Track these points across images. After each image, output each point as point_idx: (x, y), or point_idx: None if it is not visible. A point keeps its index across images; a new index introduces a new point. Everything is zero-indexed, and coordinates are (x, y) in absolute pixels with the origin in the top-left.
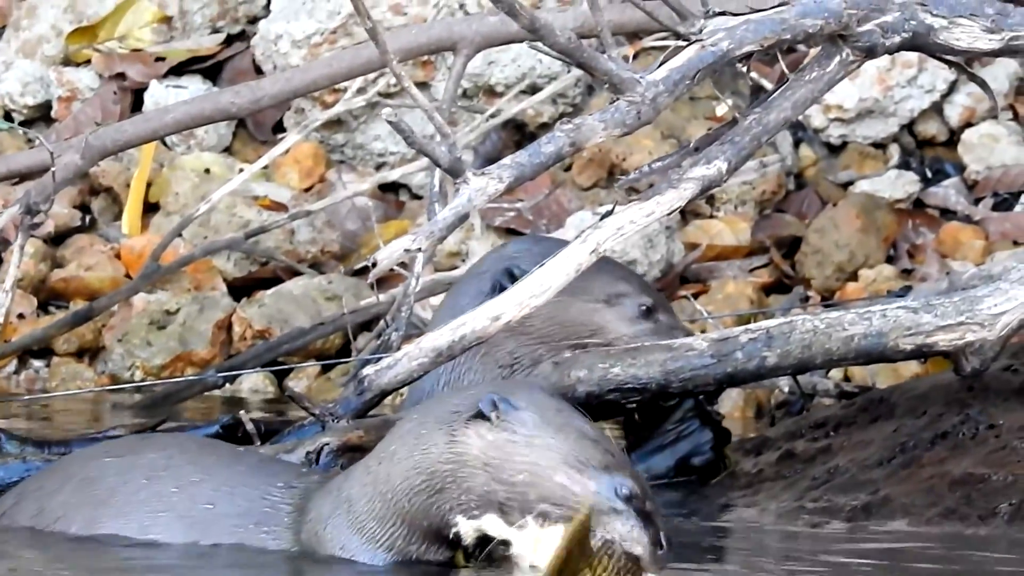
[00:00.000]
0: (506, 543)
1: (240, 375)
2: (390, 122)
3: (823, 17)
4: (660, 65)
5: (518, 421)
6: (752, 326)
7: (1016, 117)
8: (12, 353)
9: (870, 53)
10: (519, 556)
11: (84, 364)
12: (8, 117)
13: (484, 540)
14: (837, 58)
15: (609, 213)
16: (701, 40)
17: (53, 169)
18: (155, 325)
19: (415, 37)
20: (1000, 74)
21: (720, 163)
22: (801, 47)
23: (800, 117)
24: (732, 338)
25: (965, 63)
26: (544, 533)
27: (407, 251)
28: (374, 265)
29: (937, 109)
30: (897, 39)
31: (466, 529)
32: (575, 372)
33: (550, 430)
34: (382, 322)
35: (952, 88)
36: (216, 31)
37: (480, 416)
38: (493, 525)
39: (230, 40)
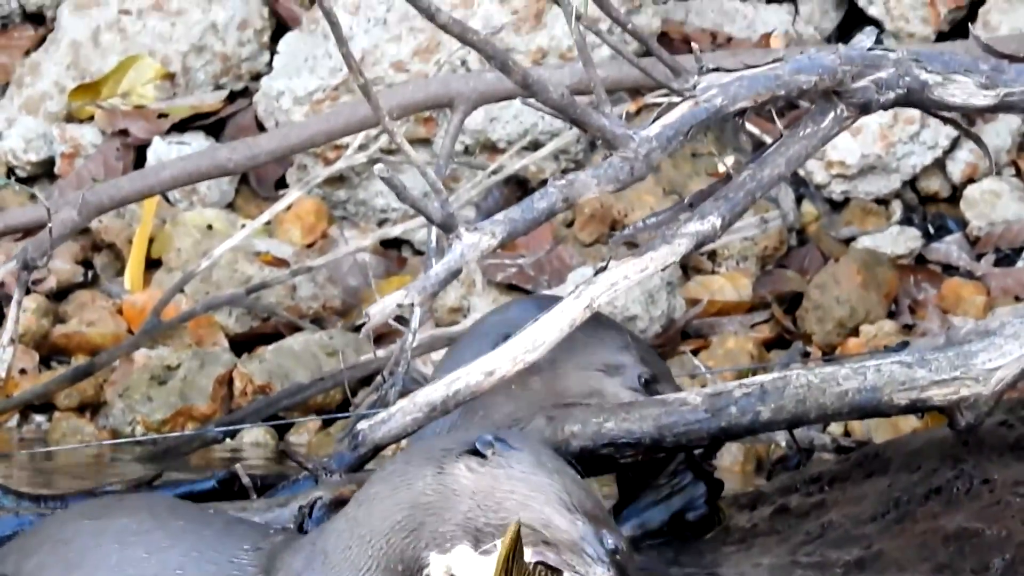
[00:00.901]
0: None
1: (240, 430)
2: (383, 178)
3: (817, 73)
4: (654, 121)
5: (514, 459)
6: (746, 381)
7: (1019, 173)
8: (14, 408)
9: (865, 109)
10: None
11: (85, 419)
12: (11, 174)
13: None
14: (832, 114)
15: (603, 269)
16: (695, 96)
17: (50, 225)
18: (156, 380)
19: (412, 94)
20: (1003, 130)
21: (714, 219)
22: (804, 103)
23: (802, 173)
24: (726, 392)
25: (967, 119)
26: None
27: (399, 306)
28: (367, 319)
29: (940, 165)
30: (892, 95)
31: (436, 568)
32: (569, 426)
33: (544, 471)
34: (379, 377)
35: (955, 144)
36: (219, 87)
37: (474, 453)
38: (462, 556)
39: (233, 97)
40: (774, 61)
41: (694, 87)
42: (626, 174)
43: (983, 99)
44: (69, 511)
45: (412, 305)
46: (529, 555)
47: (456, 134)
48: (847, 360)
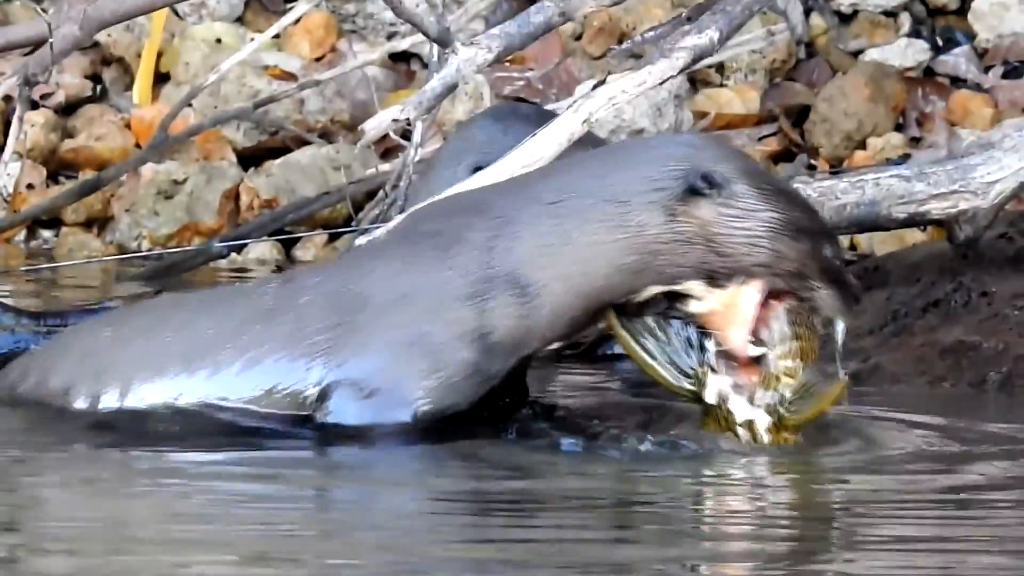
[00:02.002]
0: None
1: (246, 244)
2: None
3: None
4: None
5: (734, 195)
6: None
7: None
8: (21, 223)
9: None
10: (698, 315)
11: (92, 234)
12: None
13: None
14: None
15: (601, 83)
16: None
17: (51, 40)
18: (163, 195)
19: None
20: None
21: (712, 32)
22: None
23: None
24: None
25: None
26: (738, 292)
27: (395, 120)
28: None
29: None
30: None
31: (650, 292)
32: None
33: (764, 200)
34: (381, 192)
35: None
36: None
37: (692, 191)
38: (693, 287)
39: None
40: None
41: None
42: None
43: None
44: (91, 322)
45: (408, 120)
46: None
47: None
48: (848, 173)
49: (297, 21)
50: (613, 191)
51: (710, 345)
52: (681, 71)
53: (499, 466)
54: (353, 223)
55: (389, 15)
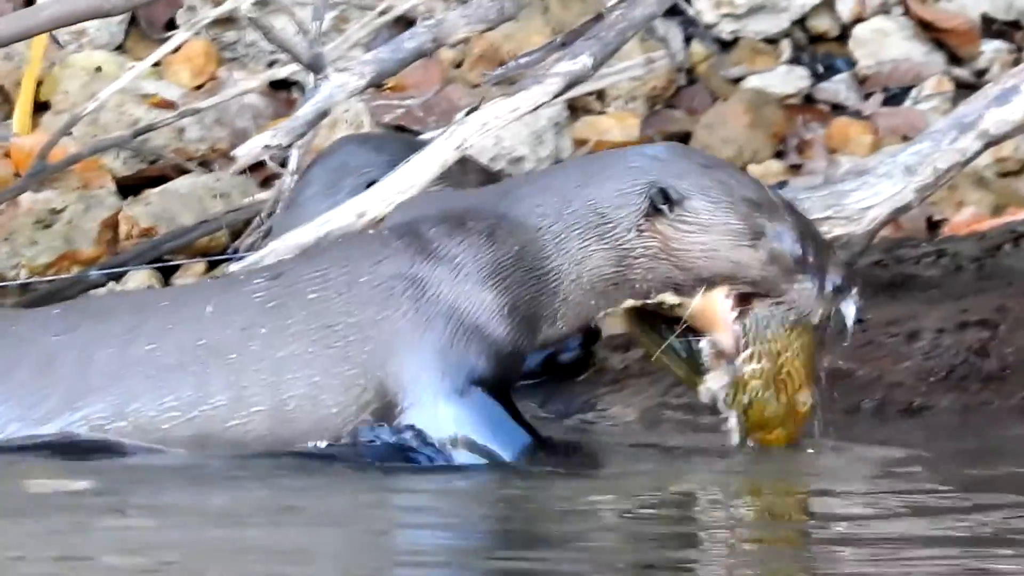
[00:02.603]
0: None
1: (125, 272)
2: (250, 19)
3: None
4: None
5: (690, 210)
6: None
7: (907, 12)
8: None
9: None
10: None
11: None
12: None
13: None
14: None
15: (474, 109)
16: None
17: None
18: (41, 224)
19: None
20: None
21: (585, 58)
22: None
23: (692, 12)
24: None
25: None
26: (708, 298)
27: (267, 147)
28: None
29: (829, 4)
30: None
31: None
32: None
33: (721, 212)
34: (257, 219)
35: None
36: None
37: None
38: (666, 298)
39: None
40: None
41: None
42: (496, 13)
43: None
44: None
45: (280, 146)
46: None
47: None
48: None
49: (177, 49)
50: (592, 204)
51: (704, 345)
52: (555, 96)
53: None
54: (230, 250)
55: (269, 43)
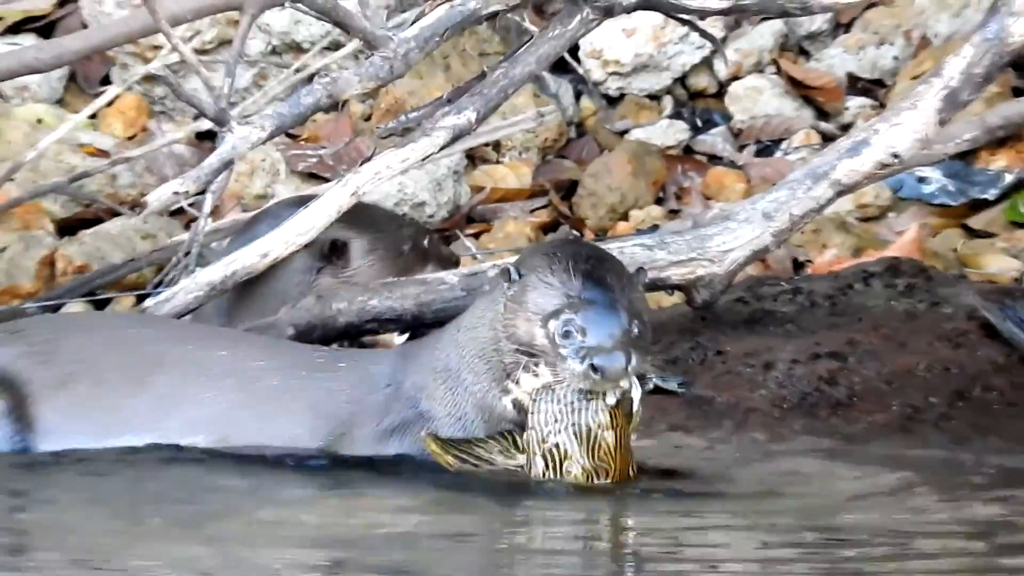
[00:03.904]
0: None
1: (61, 305)
2: (159, 76)
3: None
4: (412, 24)
5: (521, 288)
6: (499, 261)
7: (779, 71)
8: None
9: (608, 12)
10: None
11: None
12: None
13: None
14: (578, 17)
15: (367, 159)
16: (451, 1)
17: None
18: None
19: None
20: (766, 32)
21: (470, 113)
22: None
23: (581, 71)
24: (481, 273)
25: (735, 23)
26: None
27: (176, 193)
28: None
29: (707, 64)
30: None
31: (519, 394)
32: (336, 304)
33: (526, 292)
34: (174, 257)
35: (721, 43)
36: None
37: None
38: (527, 381)
39: (63, 2)
40: None
41: None
42: (386, 72)
43: (718, 2)
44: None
45: (188, 192)
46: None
47: (245, 35)
48: (604, 242)
49: (111, 103)
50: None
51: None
52: (442, 148)
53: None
54: (151, 286)
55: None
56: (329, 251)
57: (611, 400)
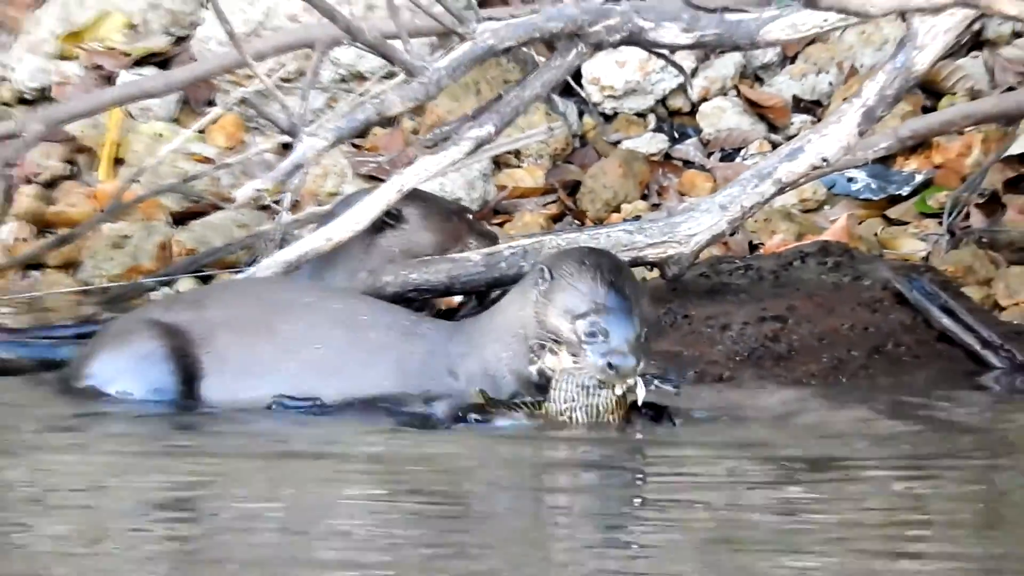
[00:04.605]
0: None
1: (174, 280)
2: (244, 100)
3: (563, 21)
4: (443, 56)
5: (550, 286)
6: (513, 243)
7: (739, 94)
8: (16, 265)
9: (598, 47)
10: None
11: (65, 273)
12: (21, 98)
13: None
14: (574, 51)
15: (409, 163)
16: (474, 38)
17: (23, 134)
18: (115, 246)
19: (282, 38)
20: (729, 62)
21: (489, 127)
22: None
23: (583, 94)
24: (498, 253)
25: (700, 54)
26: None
27: (257, 190)
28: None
29: (682, 88)
30: (618, 36)
31: (548, 363)
32: (384, 277)
33: (558, 292)
34: (259, 243)
35: (693, 73)
36: (168, 34)
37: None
38: (550, 358)
39: (178, 41)
40: (532, 13)
41: (473, 31)
42: (422, 94)
43: (685, 39)
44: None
45: (266, 190)
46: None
47: (317, 67)
48: (590, 228)
49: (215, 121)
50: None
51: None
52: (467, 155)
53: None
54: (244, 264)
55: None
56: (388, 216)
57: (618, 392)
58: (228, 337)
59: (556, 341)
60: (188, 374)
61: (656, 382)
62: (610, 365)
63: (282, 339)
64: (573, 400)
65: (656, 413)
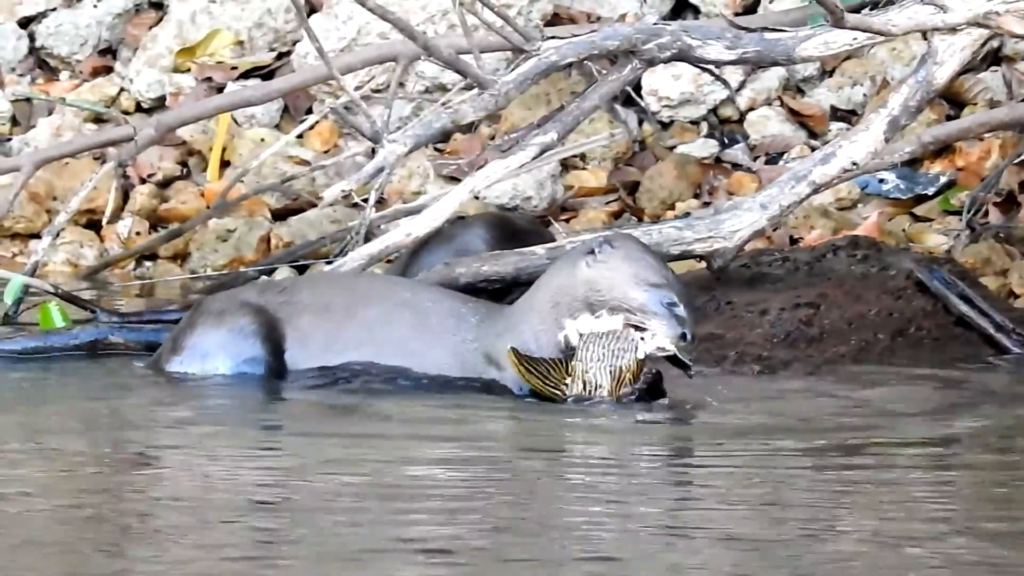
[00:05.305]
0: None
1: (274, 270)
2: (332, 109)
3: (619, 39)
4: (511, 71)
5: (612, 256)
6: (574, 238)
7: (782, 104)
8: (132, 256)
9: (651, 63)
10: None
11: (176, 264)
12: (139, 107)
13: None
14: (629, 66)
15: (481, 167)
16: (539, 54)
17: (136, 138)
18: (221, 239)
19: (368, 52)
20: (772, 76)
21: (553, 134)
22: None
23: (643, 104)
24: (560, 247)
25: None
26: (605, 321)
27: (343, 191)
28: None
29: (731, 99)
30: (669, 53)
31: (570, 329)
32: (458, 269)
33: (628, 262)
34: (349, 236)
35: (742, 85)
36: (272, 50)
37: (592, 252)
38: (584, 321)
39: (280, 56)
40: (592, 32)
41: (538, 48)
42: (492, 105)
43: (728, 56)
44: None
45: (352, 190)
46: (617, 320)
47: (399, 78)
48: (643, 224)
49: (312, 127)
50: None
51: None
52: (533, 159)
53: None
54: (334, 256)
55: None
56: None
57: (641, 355)
58: (311, 318)
59: (612, 308)
60: (276, 349)
61: (677, 353)
62: (683, 336)
63: (359, 322)
64: (599, 360)
65: (655, 382)
